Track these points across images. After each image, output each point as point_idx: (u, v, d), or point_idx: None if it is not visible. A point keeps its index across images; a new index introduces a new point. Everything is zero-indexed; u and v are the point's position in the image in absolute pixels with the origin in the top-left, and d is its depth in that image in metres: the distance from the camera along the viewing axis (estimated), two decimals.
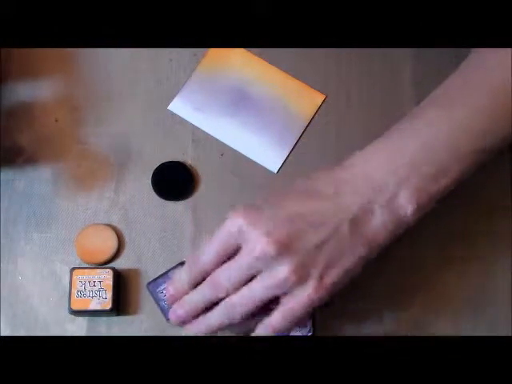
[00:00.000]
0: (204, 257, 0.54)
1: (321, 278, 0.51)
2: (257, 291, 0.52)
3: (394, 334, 0.62)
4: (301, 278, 0.51)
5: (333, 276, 0.51)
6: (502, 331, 0.62)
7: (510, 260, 0.64)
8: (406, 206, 0.52)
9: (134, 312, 0.63)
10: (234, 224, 0.52)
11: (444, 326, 0.62)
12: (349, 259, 0.51)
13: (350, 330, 0.62)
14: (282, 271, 0.50)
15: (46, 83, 0.68)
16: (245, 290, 0.52)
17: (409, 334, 0.62)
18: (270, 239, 0.50)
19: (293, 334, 0.60)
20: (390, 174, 0.53)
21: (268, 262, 0.51)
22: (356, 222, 0.52)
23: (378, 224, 0.52)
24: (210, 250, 0.54)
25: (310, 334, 0.60)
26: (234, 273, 0.52)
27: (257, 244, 0.51)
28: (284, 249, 0.50)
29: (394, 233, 0.53)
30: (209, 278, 0.54)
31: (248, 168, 0.67)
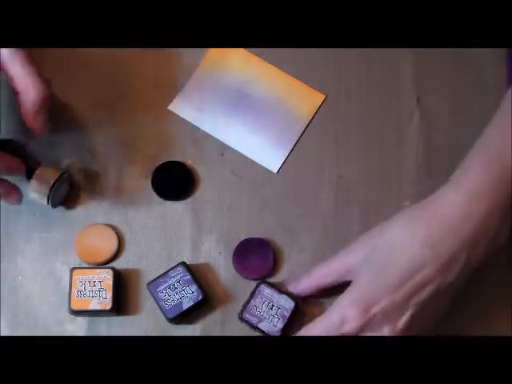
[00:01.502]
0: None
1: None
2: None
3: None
4: None
5: None
6: (502, 331, 0.62)
7: (510, 258, 0.64)
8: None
9: (134, 312, 0.63)
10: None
11: (444, 326, 0.61)
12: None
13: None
14: None
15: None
16: None
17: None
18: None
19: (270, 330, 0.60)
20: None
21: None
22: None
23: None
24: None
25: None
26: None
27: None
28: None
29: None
30: None
31: (248, 168, 0.67)
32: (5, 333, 0.62)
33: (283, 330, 0.60)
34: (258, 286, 0.61)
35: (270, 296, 0.61)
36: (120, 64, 0.70)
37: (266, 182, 0.67)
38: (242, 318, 0.61)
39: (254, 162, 0.67)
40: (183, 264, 0.62)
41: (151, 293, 0.62)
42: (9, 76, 0.56)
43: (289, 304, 0.61)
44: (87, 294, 0.61)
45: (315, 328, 0.57)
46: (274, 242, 0.65)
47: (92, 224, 0.65)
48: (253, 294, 0.61)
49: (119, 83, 0.69)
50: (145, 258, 0.65)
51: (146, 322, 0.63)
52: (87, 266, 0.64)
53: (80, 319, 0.63)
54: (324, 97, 0.69)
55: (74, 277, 0.61)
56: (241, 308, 0.61)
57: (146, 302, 0.63)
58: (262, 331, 0.61)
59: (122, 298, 0.63)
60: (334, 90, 0.69)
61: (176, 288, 0.61)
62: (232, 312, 0.63)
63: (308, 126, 0.68)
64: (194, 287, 0.61)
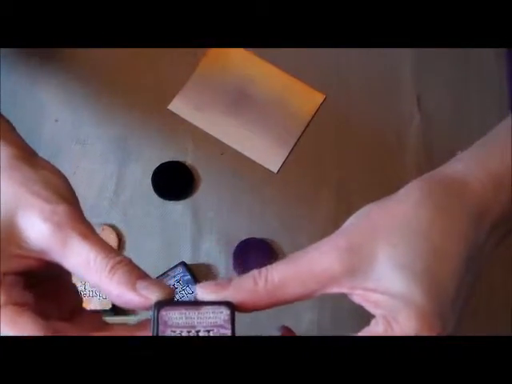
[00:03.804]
0: None
1: None
2: None
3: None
4: None
5: None
6: (502, 331, 0.62)
7: (510, 258, 0.64)
8: None
9: (134, 312, 0.63)
10: None
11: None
12: None
13: (350, 329, 0.62)
14: None
15: (46, 83, 0.69)
16: None
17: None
18: None
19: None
20: None
21: None
22: None
23: None
24: None
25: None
26: None
27: None
28: None
29: None
30: None
31: (248, 168, 0.67)
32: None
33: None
34: (157, 315, 0.41)
35: (183, 320, 0.41)
36: (120, 64, 0.70)
37: (266, 182, 0.67)
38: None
39: (254, 162, 0.67)
40: (183, 264, 0.62)
41: None
42: None
43: (222, 315, 0.42)
44: (87, 294, 0.61)
45: None
46: (273, 242, 0.65)
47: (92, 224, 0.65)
48: (157, 334, 0.43)
49: (119, 83, 0.69)
50: (144, 258, 0.65)
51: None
52: None
53: None
54: (324, 97, 0.69)
55: (74, 276, 0.61)
56: None
57: None
58: None
59: None
60: (333, 90, 0.69)
61: (176, 288, 0.61)
62: None
63: (308, 126, 0.68)
64: (193, 287, 0.61)
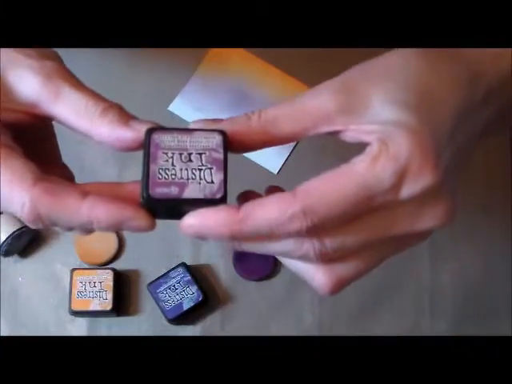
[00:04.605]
0: None
1: None
2: None
3: (392, 334, 0.62)
4: None
5: None
6: (502, 331, 0.62)
7: (510, 259, 0.64)
8: None
9: (135, 313, 0.63)
10: None
11: (443, 326, 0.62)
12: None
13: (350, 329, 0.62)
14: None
15: None
16: None
17: (408, 335, 0.62)
18: None
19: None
20: None
21: None
22: None
23: None
24: None
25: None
26: None
27: None
28: None
29: None
30: None
31: (248, 169, 0.67)
32: (5, 333, 0.62)
33: (225, 181, 0.37)
34: (148, 139, 0.38)
35: (175, 143, 0.38)
36: (120, 64, 0.70)
37: (266, 183, 0.67)
38: (151, 199, 0.38)
39: (254, 163, 0.67)
40: (183, 265, 0.62)
41: (151, 293, 0.62)
42: None
43: (214, 139, 0.37)
44: (87, 295, 0.61)
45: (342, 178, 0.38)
46: None
47: None
48: (148, 156, 0.38)
49: (119, 84, 0.69)
50: (145, 259, 0.65)
51: (146, 323, 0.63)
52: (87, 266, 0.64)
53: (80, 320, 0.63)
54: None
55: (75, 278, 0.61)
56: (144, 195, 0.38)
57: (147, 302, 0.63)
58: (195, 201, 0.37)
59: (123, 298, 0.63)
60: None
61: (176, 289, 0.61)
62: (232, 312, 0.63)
63: None
64: (194, 288, 0.61)
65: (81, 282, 0.61)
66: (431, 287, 0.64)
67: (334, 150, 0.68)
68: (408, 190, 0.36)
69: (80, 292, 0.61)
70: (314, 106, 0.39)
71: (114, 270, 0.62)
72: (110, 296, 0.61)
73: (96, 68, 0.70)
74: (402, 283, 0.64)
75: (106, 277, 0.61)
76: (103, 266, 0.64)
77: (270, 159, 0.67)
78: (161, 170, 0.38)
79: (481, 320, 0.63)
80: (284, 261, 0.40)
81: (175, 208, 0.40)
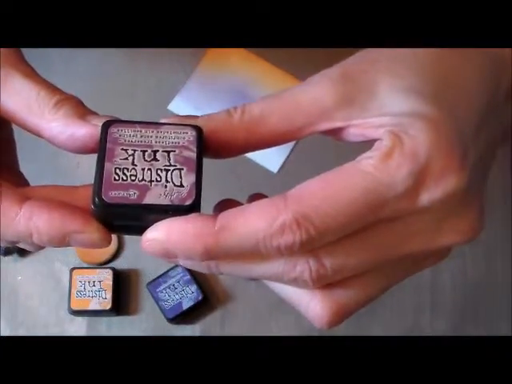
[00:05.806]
0: None
1: None
2: None
3: (392, 334, 0.62)
4: None
5: None
6: (502, 331, 0.62)
7: (510, 259, 0.64)
8: None
9: (134, 312, 0.63)
10: None
11: (443, 326, 0.62)
12: None
13: (350, 328, 0.62)
14: None
15: None
16: None
17: (407, 335, 0.62)
18: None
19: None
20: None
21: None
22: None
23: None
24: None
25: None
26: None
27: None
28: None
29: None
30: None
31: (248, 168, 0.67)
32: (5, 333, 0.62)
33: (198, 185, 0.35)
34: (105, 132, 0.32)
35: (138, 138, 0.32)
36: (120, 64, 0.70)
37: (265, 182, 0.67)
38: (103, 205, 0.30)
39: (253, 162, 0.67)
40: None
41: (151, 293, 0.62)
42: None
43: (186, 135, 0.33)
44: (87, 294, 0.61)
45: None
46: None
47: None
48: (103, 152, 0.32)
49: (119, 83, 0.69)
50: (144, 258, 0.65)
51: (145, 322, 0.63)
52: (87, 265, 0.64)
53: (80, 319, 0.63)
54: None
55: (74, 277, 0.61)
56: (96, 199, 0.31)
57: (146, 302, 0.63)
58: (159, 207, 0.30)
59: (122, 298, 0.63)
60: None
61: (176, 288, 0.61)
62: (232, 312, 0.63)
63: None
64: (193, 287, 0.61)
65: (80, 282, 0.61)
66: (431, 286, 0.64)
67: (339, 146, 0.68)
68: (427, 195, 0.29)
69: (79, 291, 0.61)
70: (308, 98, 0.33)
71: (113, 269, 0.62)
72: (109, 295, 0.61)
73: (96, 68, 0.70)
74: (401, 282, 0.64)
75: (106, 276, 0.61)
76: (103, 265, 0.64)
77: (269, 157, 0.67)
78: (118, 170, 0.30)
79: (481, 320, 0.63)
80: (271, 285, 0.33)
81: (135, 217, 0.30)
